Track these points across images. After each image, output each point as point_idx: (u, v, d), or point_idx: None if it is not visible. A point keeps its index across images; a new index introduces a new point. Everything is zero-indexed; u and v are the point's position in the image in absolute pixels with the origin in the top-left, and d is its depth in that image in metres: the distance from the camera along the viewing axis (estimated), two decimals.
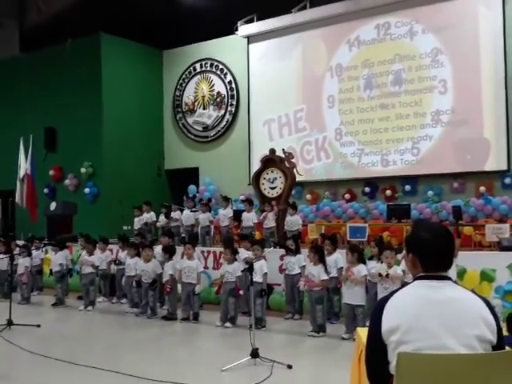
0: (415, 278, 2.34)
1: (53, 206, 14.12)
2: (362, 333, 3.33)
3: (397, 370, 2.16)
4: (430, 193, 12.67)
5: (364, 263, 7.20)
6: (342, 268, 7.69)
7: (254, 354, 5.86)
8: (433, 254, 2.29)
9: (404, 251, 7.27)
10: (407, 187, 13.05)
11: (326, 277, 7.29)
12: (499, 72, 12.04)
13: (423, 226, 2.42)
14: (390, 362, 2.22)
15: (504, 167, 11.99)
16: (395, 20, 13.55)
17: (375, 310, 2.34)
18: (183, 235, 11.63)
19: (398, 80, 13.46)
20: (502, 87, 11.97)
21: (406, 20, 13.40)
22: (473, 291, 2.33)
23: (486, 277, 7.57)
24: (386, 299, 2.32)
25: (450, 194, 12.69)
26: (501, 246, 8.21)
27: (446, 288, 2.26)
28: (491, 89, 12.19)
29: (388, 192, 13.19)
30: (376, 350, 2.27)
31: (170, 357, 6.37)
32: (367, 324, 6.75)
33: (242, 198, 13.94)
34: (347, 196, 13.61)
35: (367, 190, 13.50)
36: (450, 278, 2.31)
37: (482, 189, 12.14)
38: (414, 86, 13.25)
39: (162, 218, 12.21)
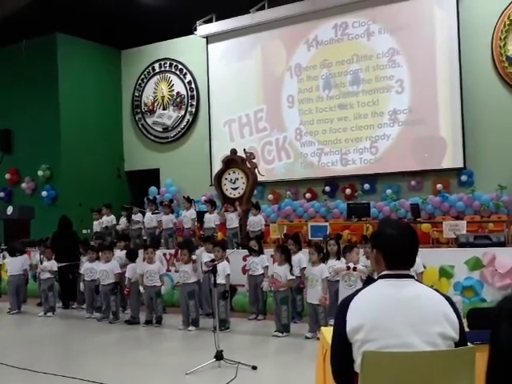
0: (379, 277, 2.37)
1: (9, 210, 13.77)
2: (326, 332, 3.36)
3: (362, 368, 2.18)
4: (389, 191, 12.85)
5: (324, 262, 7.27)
6: (305, 268, 7.74)
7: (219, 356, 5.83)
8: (397, 251, 2.32)
9: (363, 248, 7.37)
10: (366, 186, 13.22)
11: (292, 276, 7.34)
12: (454, 72, 12.30)
13: (390, 224, 2.46)
14: (355, 360, 2.24)
15: (460, 165, 12.26)
16: (352, 20, 13.70)
17: (340, 309, 2.35)
18: (145, 238, 11.49)
19: (356, 80, 13.61)
20: (457, 87, 12.23)
21: (362, 20, 13.56)
22: (435, 289, 2.38)
23: (445, 273, 7.74)
24: (350, 298, 2.33)
25: (407, 191, 12.90)
26: (458, 243, 8.39)
27: (408, 286, 2.29)
28: (446, 88, 12.44)
29: (348, 191, 13.33)
30: (341, 349, 2.29)
31: (133, 361, 6.28)
32: (330, 323, 6.84)
33: (203, 199, 13.87)
34: (308, 195, 13.71)
35: (327, 189, 13.62)
36: (412, 277, 2.35)
37: (439, 186, 12.38)
38: (372, 86, 13.42)
39: (122, 220, 12.05)
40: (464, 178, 12.21)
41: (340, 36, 13.89)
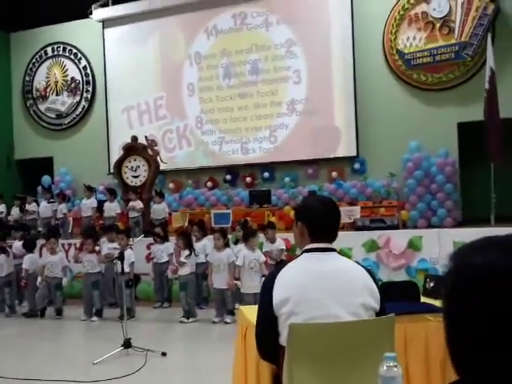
0: (303, 251, 2.44)
1: None
2: (246, 310, 3.43)
3: (288, 340, 2.25)
4: (287, 179, 13.16)
5: (229, 247, 7.39)
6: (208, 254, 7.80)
7: (127, 344, 5.77)
8: (322, 223, 2.41)
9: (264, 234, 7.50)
10: (266, 174, 13.45)
11: (197, 260, 7.41)
12: (348, 63, 12.77)
13: (313, 198, 2.56)
14: (281, 333, 2.30)
15: (353, 153, 12.78)
16: (251, 10, 13.83)
17: (265, 284, 2.40)
18: (40, 228, 11.02)
19: (255, 70, 13.78)
20: (351, 78, 12.73)
21: (261, 10, 13.73)
22: (356, 261, 2.51)
23: (344, 255, 8.06)
24: (275, 273, 2.38)
25: (305, 179, 13.27)
26: (355, 226, 8.81)
27: (332, 259, 2.40)
28: (341, 79, 12.92)
29: (248, 179, 13.51)
30: (267, 323, 2.33)
31: (35, 355, 6.05)
32: (236, 307, 6.96)
33: (101, 187, 13.50)
34: (209, 184, 13.73)
35: (228, 177, 13.72)
36: (335, 250, 2.46)
37: (334, 174, 12.85)
38: (270, 76, 13.64)
39: (15, 210, 11.46)
40: (357, 165, 12.76)
41: (239, 25, 13.98)
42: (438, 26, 11.69)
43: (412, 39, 12.08)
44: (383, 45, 12.40)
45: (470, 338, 0.94)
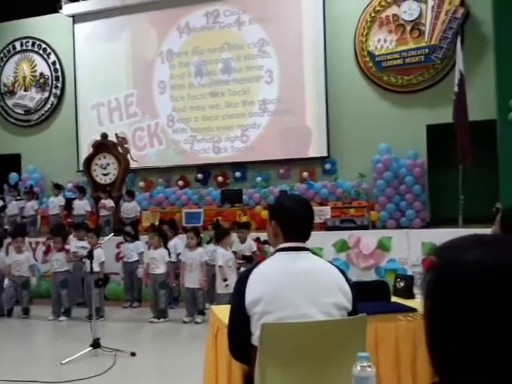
0: (276, 250, 2.44)
1: None
2: (217, 310, 3.42)
3: (260, 340, 2.25)
4: (259, 179, 13.17)
5: (201, 246, 7.37)
6: (180, 253, 7.75)
7: (96, 344, 5.70)
8: (295, 222, 2.41)
9: (236, 233, 7.50)
10: (238, 174, 13.44)
11: (170, 258, 7.35)
12: (319, 64, 12.82)
13: (287, 197, 2.57)
14: (253, 333, 2.29)
15: (324, 154, 12.85)
16: (224, 8, 13.79)
17: (238, 283, 2.39)
18: (6, 227, 10.80)
19: (227, 68, 13.75)
20: (322, 78, 12.78)
21: (233, 9, 13.70)
22: (328, 261, 2.52)
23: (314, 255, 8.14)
24: (248, 272, 2.37)
25: (276, 179, 13.29)
26: (326, 227, 8.86)
27: (305, 259, 2.40)
28: (313, 80, 12.97)
29: (220, 178, 13.47)
30: (239, 322, 2.33)
31: (3, 355, 5.95)
32: (207, 307, 6.94)
33: (69, 185, 13.31)
34: (180, 183, 13.65)
35: (200, 176, 13.66)
36: (308, 249, 2.47)
37: (305, 174, 12.90)
38: (243, 75, 13.62)
39: None
40: (328, 166, 12.83)
41: (212, 24, 13.93)
42: (408, 28, 11.84)
43: (383, 41, 12.20)
44: (354, 46, 12.50)
45: (454, 336, 0.94)
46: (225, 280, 6.79)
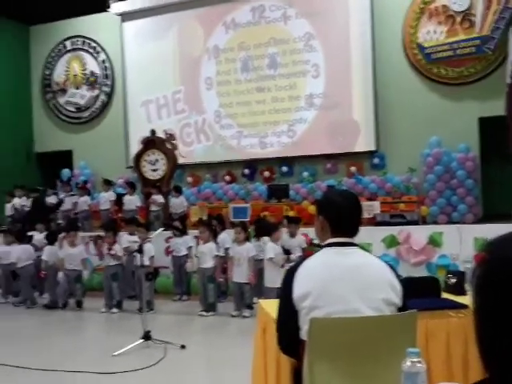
0: (324, 245, 2.43)
1: None
2: (266, 305, 3.43)
3: (309, 334, 2.24)
4: (306, 174, 13.13)
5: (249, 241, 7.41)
6: (228, 248, 7.82)
7: (146, 336, 5.81)
8: (343, 218, 2.39)
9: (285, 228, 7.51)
10: (284, 168, 13.43)
11: (218, 253, 7.42)
12: (367, 57, 12.67)
13: (335, 191, 2.55)
14: (301, 327, 2.29)
15: (372, 148, 12.70)
16: (270, 3, 13.76)
17: (286, 278, 2.38)
18: (60, 221, 11.12)
19: (274, 63, 13.73)
20: (370, 72, 12.63)
21: (279, 4, 13.66)
22: (378, 257, 2.49)
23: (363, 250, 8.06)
24: (296, 266, 2.37)
25: (323, 174, 13.22)
26: (375, 222, 8.75)
27: (354, 254, 2.38)
28: (360, 73, 12.82)
29: (266, 173, 13.50)
30: (288, 317, 2.33)
31: (55, 346, 6.13)
32: (254, 301, 6.98)
33: (120, 181, 13.60)
34: (227, 178, 13.75)
35: (246, 171, 13.72)
36: (357, 245, 2.45)
37: (353, 169, 12.78)
38: (289, 70, 13.59)
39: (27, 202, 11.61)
40: (376, 160, 12.68)
41: (257, 19, 13.94)
42: (458, 19, 11.55)
43: (432, 33, 11.95)
44: (403, 38, 12.29)
45: (505, 332, 0.92)
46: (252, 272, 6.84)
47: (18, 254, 8.36)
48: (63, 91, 15.94)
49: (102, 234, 8.44)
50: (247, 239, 7.29)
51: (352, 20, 12.86)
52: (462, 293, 3.63)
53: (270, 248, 6.91)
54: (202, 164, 14.13)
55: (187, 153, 13.64)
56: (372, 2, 12.53)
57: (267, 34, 13.74)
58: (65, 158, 15.47)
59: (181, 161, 11.71)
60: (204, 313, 7.25)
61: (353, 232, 2.43)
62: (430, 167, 11.40)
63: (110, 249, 7.78)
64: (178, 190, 10.60)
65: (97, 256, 8.62)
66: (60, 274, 8.08)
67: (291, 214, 10.91)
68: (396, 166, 12.16)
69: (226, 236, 7.98)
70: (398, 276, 2.39)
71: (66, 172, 14.80)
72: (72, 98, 15.84)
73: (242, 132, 13.86)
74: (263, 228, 7.57)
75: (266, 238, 7.33)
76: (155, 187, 10.33)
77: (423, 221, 10.51)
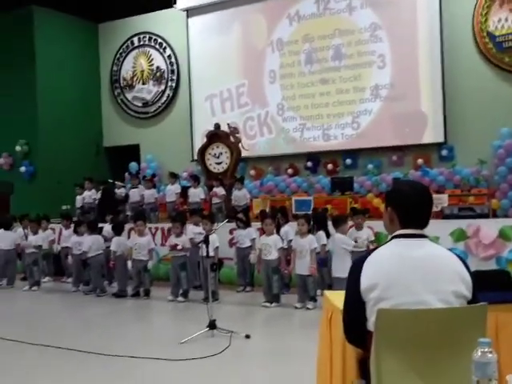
0: (392, 237, 2.38)
1: None
2: (331, 295, 3.41)
3: (376, 325, 2.22)
4: (370, 166, 12.96)
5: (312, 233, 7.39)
6: (291, 240, 7.83)
7: (212, 325, 5.90)
8: (412, 209, 2.33)
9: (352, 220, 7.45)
10: (348, 161, 13.30)
11: (282, 245, 7.46)
12: (435, 47, 12.36)
13: (404, 182, 2.49)
14: (369, 318, 2.27)
15: (441, 139, 12.39)
16: None
17: (353, 269, 2.36)
18: (128, 213, 11.45)
19: (338, 55, 13.60)
20: (438, 62, 12.31)
21: None
22: (448, 249, 2.43)
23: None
24: (363, 258, 2.34)
25: (389, 166, 13.01)
26: (443, 215, 8.54)
27: (423, 245, 2.32)
28: (428, 64, 12.51)
29: (329, 166, 13.40)
30: (355, 308, 2.31)
31: (124, 333, 6.31)
32: (318, 293, 6.96)
33: (185, 174, 13.85)
34: (290, 171, 13.75)
35: (309, 164, 13.68)
36: (426, 236, 2.39)
37: (420, 161, 12.51)
38: (354, 61, 13.42)
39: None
40: (445, 152, 12.35)
41: (322, 11, 13.83)
42: None
43: (504, 21, 11.53)
44: (473, 27, 11.90)
45: None
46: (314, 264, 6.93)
47: (88, 244, 8.67)
48: (131, 87, 16.37)
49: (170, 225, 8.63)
50: (310, 232, 7.27)
51: (419, 8, 12.56)
52: None
53: (337, 240, 6.92)
54: (264, 157, 14.19)
55: (250, 146, 13.73)
56: None
57: (332, 26, 13.62)
58: (132, 152, 15.90)
59: (244, 154, 11.79)
60: (268, 304, 7.30)
61: (423, 224, 2.37)
62: (502, 159, 11.02)
63: (176, 244, 7.93)
64: (242, 182, 10.68)
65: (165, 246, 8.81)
66: (129, 263, 8.32)
67: (355, 207, 10.79)
68: (465, 158, 11.83)
69: (289, 228, 7.99)
70: (469, 268, 2.32)
71: (133, 165, 15.23)
72: (139, 94, 16.24)
73: (304, 124, 13.82)
74: (320, 220, 7.61)
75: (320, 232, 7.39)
76: (217, 180, 10.47)
77: (493, 214, 10.16)
